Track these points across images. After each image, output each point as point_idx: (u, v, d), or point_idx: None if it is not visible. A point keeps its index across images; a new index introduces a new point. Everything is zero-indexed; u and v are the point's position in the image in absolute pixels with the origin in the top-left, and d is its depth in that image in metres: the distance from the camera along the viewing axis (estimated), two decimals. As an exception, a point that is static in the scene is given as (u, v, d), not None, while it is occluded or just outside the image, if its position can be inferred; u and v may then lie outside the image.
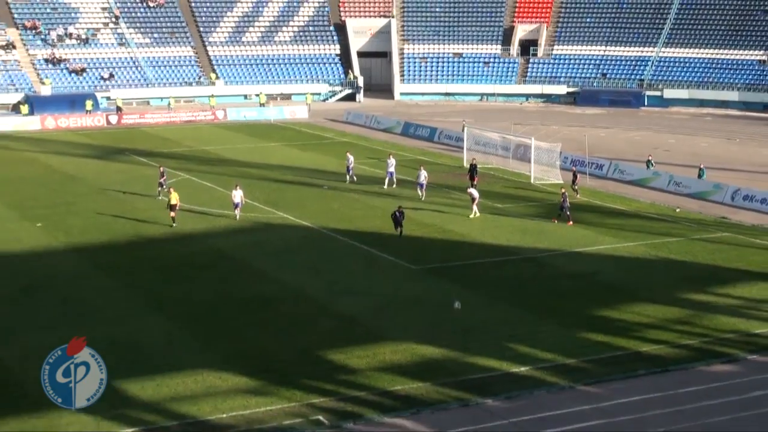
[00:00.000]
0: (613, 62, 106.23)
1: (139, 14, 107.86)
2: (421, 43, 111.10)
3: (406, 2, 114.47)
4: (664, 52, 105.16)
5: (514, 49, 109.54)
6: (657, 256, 43.97)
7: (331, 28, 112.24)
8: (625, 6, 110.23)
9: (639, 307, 36.39)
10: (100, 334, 32.74)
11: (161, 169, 57.37)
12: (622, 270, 41.83)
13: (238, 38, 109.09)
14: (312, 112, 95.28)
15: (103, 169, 65.62)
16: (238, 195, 49.80)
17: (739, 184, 57.55)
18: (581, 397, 28.72)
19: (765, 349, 32.50)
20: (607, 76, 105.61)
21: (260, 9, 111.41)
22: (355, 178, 59.90)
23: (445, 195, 55.90)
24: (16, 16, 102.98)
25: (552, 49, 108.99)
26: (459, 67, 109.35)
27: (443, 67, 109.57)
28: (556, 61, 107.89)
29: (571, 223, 49.41)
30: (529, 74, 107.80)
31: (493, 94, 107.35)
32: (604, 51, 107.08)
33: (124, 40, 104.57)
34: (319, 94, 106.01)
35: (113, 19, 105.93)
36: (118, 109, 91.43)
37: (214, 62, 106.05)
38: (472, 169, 58.14)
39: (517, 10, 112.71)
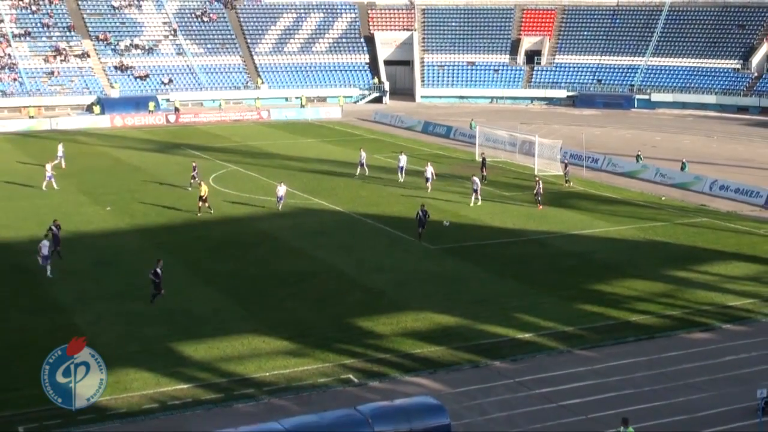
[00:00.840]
0: (607, 70, 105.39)
1: (194, 28, 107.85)
2: (439, 53, 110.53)
3: (426, 17, 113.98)
4: (651, 61, 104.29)
5: (521, 58, 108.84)
6: (644, 238, 43.65)
7: (362, 40, 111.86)
8: (618, 21, 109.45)
9: (628, 282, 36.22)
10: (159, 304, 32.93)
11: (194, 163, 56.97)
12: (614, 250, 41.53)
13: (280, 48, 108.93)
14: (344, 113, 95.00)
15: (163, 161, 65.71)
16: (282, 189, 49.32)
17: (716, 176, 57.08)
18: (578, 360, 28.67)
19: (738, 319, 32.36)
20: (602, 82, 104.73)
21: (300, 23, 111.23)
22: (367, 171, 58.83)
23: (460, 185, 55.57)
24: (90, 29, 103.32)
25: (554, 59, 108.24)
26: (472, 73, 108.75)
27: (458, 73, 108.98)
28: (558, 69, 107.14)
29: (540, 207, 49.03)
30: (533, 80, 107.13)
31: (502, 98, 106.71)
32: (600, 60, 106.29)
33: (181, 50, 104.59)
34: (351, 96, 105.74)
35: (172, 32, 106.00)
36: (176, 109, 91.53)
37: (259, 69, 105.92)
38: (483, 162, 57.83)
39: (523, 24, 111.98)
